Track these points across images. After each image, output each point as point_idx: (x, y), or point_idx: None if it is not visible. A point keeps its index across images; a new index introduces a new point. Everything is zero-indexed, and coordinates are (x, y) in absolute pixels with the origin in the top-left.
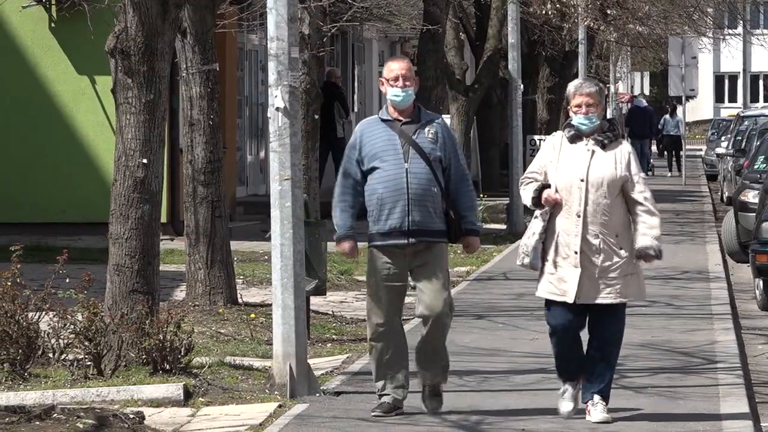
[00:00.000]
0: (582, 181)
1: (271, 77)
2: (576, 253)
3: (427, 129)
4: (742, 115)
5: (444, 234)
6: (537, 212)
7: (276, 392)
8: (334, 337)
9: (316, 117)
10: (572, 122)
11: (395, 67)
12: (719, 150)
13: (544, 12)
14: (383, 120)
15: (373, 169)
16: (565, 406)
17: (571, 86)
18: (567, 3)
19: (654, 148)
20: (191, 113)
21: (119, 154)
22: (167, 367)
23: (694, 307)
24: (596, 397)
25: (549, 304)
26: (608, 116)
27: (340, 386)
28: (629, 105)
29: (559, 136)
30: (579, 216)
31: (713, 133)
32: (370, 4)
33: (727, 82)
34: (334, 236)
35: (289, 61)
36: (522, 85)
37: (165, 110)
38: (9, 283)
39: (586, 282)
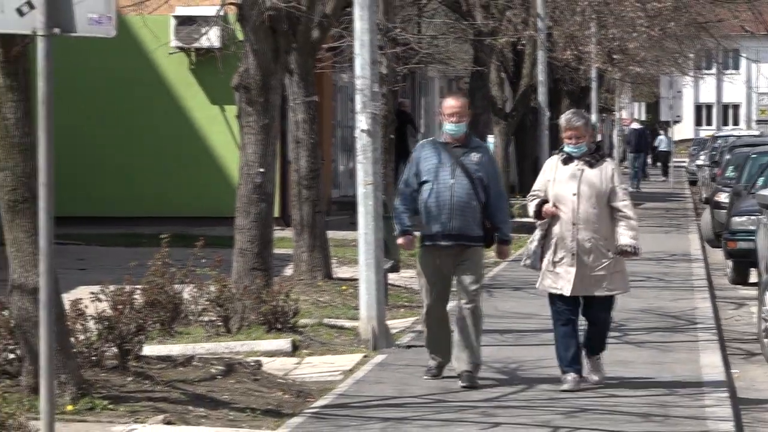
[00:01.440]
0: (574, 195)
1: (358, 106)
2: (573, 255)
3: (473, 153)
4: (716, 135)
5: (481, 239)
6: (537, 222)
7: (362, 346)
8: (405, 304)
9: (392, 137)
10: (564, 148)
11: (450, 104)
12: (699, 162)
13: (565, 57)
14: (439, 143)
15: (426, 182)
16: (565, 386)
17: (563, 119)
18: (582, 50)
19: (649, 160)
20: (297, 134)
21: (242, 165)
22: (279, 326)
23: (680, 281)
24: (593, 359)
25: (550, 297)
26: (598, 139)
27: (410, 341)
28: (629, 127)
29: (555, 159)
30: (574, 224)
31: (694, 149)
32: (432, 51)
33: (704, 110)
34: (395, 232)
35: (371, 93)
36: (548, 113)
37: (277, 131)
38: (159, 263)
39: (579, 278)
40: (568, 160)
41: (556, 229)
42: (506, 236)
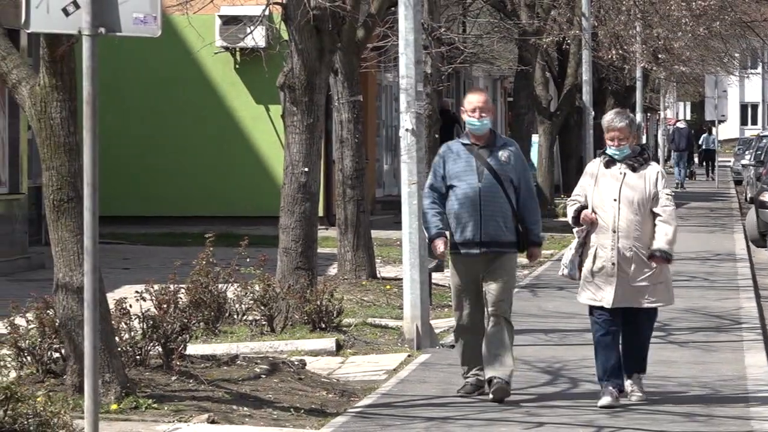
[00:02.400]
0: (615, 200)
1: (402, 106)
2: (613, 264)
3: (500, 152)
4: (761, 134)
5: (514, 245)
6: (575, 229)
7: (406, 345)
8: (449, 303)
9: (436, 136)
10: (606, 151)
11: (474, 100)
12: (744, 161)
13: (609, 56)
14: (463, 144)
15: (452, 186)
16: (604, 401)
17: (605, 120)
18: (627, 49)
19: (696, 159)
20: (341, 133)
21: (287, 164)
22: (323, 325)
23: (724, 281)
24: (633, 378)
25: (591, 308)
26: (643, 141)
27: (454, 341)
28: (673, 126)
29: (597, 162)
30: (614, 231)
31: (739, 149)
32: (477, 51)
33: (750, 109)
34: (427, 237)
35: (415, 93)
36: (593, 112)
37: (321, 131)
38: (204, 262)
39: (621, 289)
40: (610, 163)
41: (595, 236)
42: (537, 238)
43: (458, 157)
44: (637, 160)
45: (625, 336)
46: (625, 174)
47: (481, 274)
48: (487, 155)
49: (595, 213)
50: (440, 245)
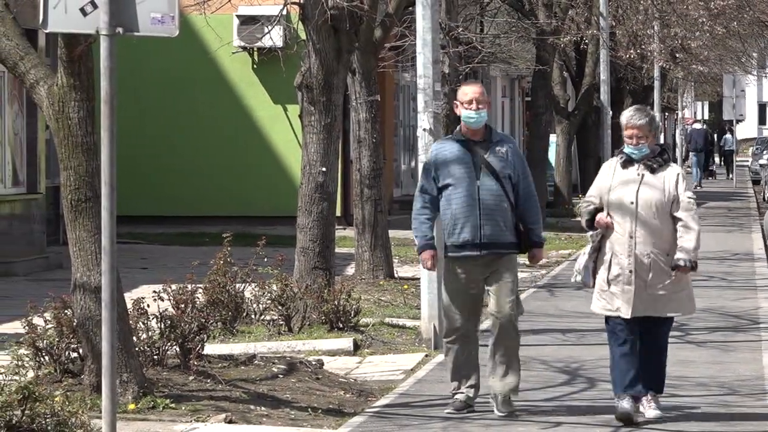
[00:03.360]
0: (632, 203)
1: (420, 105)
2: (630, 272)
3: (498, 148)
4: None
5: (515, 246)
6: (589, 234)
7: (423, 345)
8: None
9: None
10: (624, 150)
11: (469, 90)
12: (762, 161)
13: (627, 56)
14: (457, 140)
15: (447, 186)
16: (622, 412)
17: (624, 116)
18: (645, 48)
19: (717, 159)
20: (359, 133)
21: (304, 164)
22: (340, 325)
23: (742, 281)
24: (650, 395)
25: (607, 318)
26: (662, 141)
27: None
28: (691, 126)
29: (613, 162)
30: (631, 237)
31: (757, 148)
32: (495, 50)
33: None
34: (415, 247)
35: (433, 93)
36: (611, 111)
37: (339, 131)
38: (221, 262)
39: (638, 298)
40: (627, 163)
41: (610, 241)
42: (538, 238)
43: (453, 154)
44: (657, 160)
45: (642, 348)
46: (643, 175)
47: (480, 279)
48: (483, 152)
49: (611, 216)
50: (428, 260)
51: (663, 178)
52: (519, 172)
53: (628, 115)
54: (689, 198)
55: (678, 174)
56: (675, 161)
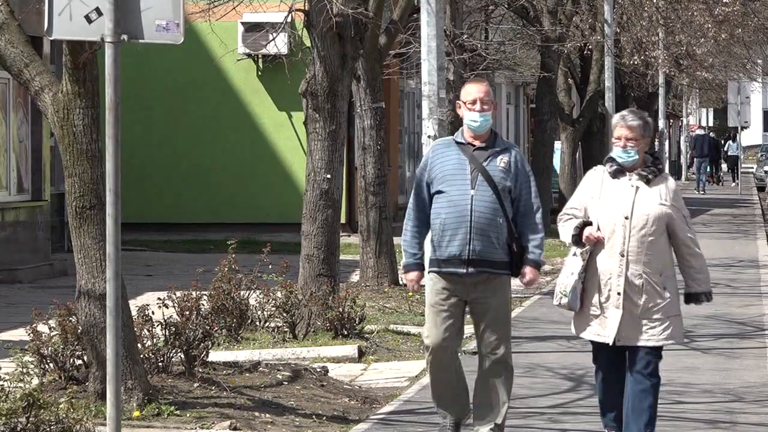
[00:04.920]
0: (626, 218)
1: (425, 112)
2: (619, 294)
3: (500, 157)
4: None
5: (506, 266)
6: (576, 250)
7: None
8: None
9: None
10: (611, 155)
11: (473, 90)
12: (767, 168)
13: (632, 62)
14: (457, 142)
15: (439, 192)
16: None
17: (616, 117)
18: (650, 55)
19: (724, 166)
20: (364, 140)
21: (309, 171)
22: (345, 332)
23: (747, 288)
24: None
25: (592, 344)
26: (656, 149)
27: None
28: (695, 133)
29: (600, 171)
30: (622, 255)
31: (762, 155)
32: (499, 57)
33: None
34: (401, 262)
35: (438, 100)
36: None
37: (344, 138)
38: (226, 269)
39: (627, 324)
40: (618, 172)
41: (598, 260)
42: (535, 256)
43: (449, 157)
44: (651, 170)
45: (628, 378)
46: (638, 187)
47: (465, 301)
48: (483, 158)
49: (599, 231)
50: (413, 283)
51: (659, 191)
52: (521, 185)
53: (620, 115)
54: (687, 214)
55: (675, 189)
56: (680, 168)
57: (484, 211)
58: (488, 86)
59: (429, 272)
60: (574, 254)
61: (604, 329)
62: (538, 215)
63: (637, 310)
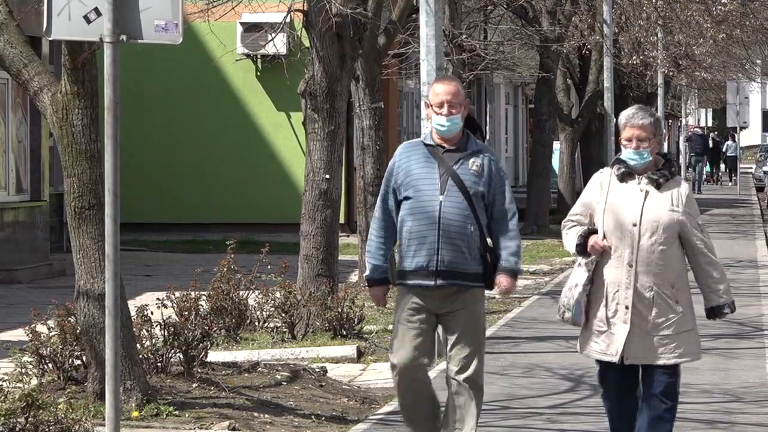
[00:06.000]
0: (635, 225)
1: (423, 113)
2: (627, 308)
3: (472, 160)
4: None
5: (479, 278)
6: (581, 260)
7: None
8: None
9: None
10: (621, 157)
11: (440, 90)
12: (766, 168)
13: (631, 62)
14: (426, 144)
15: (407, 198)
16: None
17: (623, 116)
18: (648, 55)
19: (723, 167)
20: (363, 140)
21: (308, 171)
22: (344, 332)
23: (746, 288)
24: None
25: (599, 363)
26: (666, 150)
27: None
28: (692, 132)
29: (607, 174)
30: (631, 266)
31: (761, 155)
32: (498, 57)
33: None
34: (365, 275)
35: None
36: (614, 118)
37: (343, 138)
38: (225, 269)
39: (635, 340)
40: (626, 175)
41: (605, 271)
42: (509, 264)
43: (417, 161)
44: (663, 173)
45: (643, 398)
46: (647, 192)
47: (436, 316)
48: (453, 162)
49: (605, 240)
50: (379, 299)
51: (671, 196)
52: (495, 190)
53: (628, 114)
54: (702, 221)
55: (688, 194)
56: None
57: (454, 218)
58: (457, 86)
59: (396, 285)
60: (579, 265)
61: (610, 347)
62: (514, 221)
63: (646, 325)
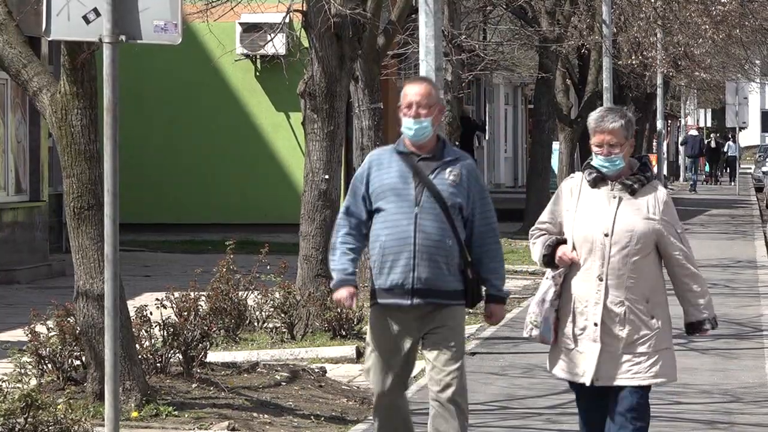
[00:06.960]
0: (606, 236)
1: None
2: (596, 324)
3: (449, 169)
4: None
5: (459, 295)
6: (548, 273)
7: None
8: (469, 311)
9: (456, 144)
10: (592, 163)
11: (410, 92)
12: (765, 168)
13: (630, 63)
14: (399, 152)
15: (379, 210)
16: None
17: (591, 119)
18: (647, 56)
19: (727, 169)
20: (362, 140)
21: (307, 172)
22: (343, 333)
23: (745, 288)
24: None
25: (571, 385)
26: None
27: (474, 348)
28: (688, 133)
29: (578, 179)
30: (601, 279)
31: (760, 156)
32: (497, 58)
33: None
34: (331, 284)
35: None
36: None
37: (342, 138)
38: (224, 270)
39: (606, 360)
40: (598, 181)
41: (573, 285)
42: (498, 291)
43: (389, 170)
44: (638, 178)
45: (608, 424)
46: (620, 198)
47: (414, 336)
48: (429, 171)
49: (574, 250)
50: (347, 299)
51: (646, 203)
52: (475, 201)
53: (597, 117)
54: (682, 229)
55: (665, 201)
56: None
57: (431, 232)
58: (430, 87)
59: (371, 305)
60: (547, 278)
61: (579, 366)
62: (497, 237)
63: (618, 344)
